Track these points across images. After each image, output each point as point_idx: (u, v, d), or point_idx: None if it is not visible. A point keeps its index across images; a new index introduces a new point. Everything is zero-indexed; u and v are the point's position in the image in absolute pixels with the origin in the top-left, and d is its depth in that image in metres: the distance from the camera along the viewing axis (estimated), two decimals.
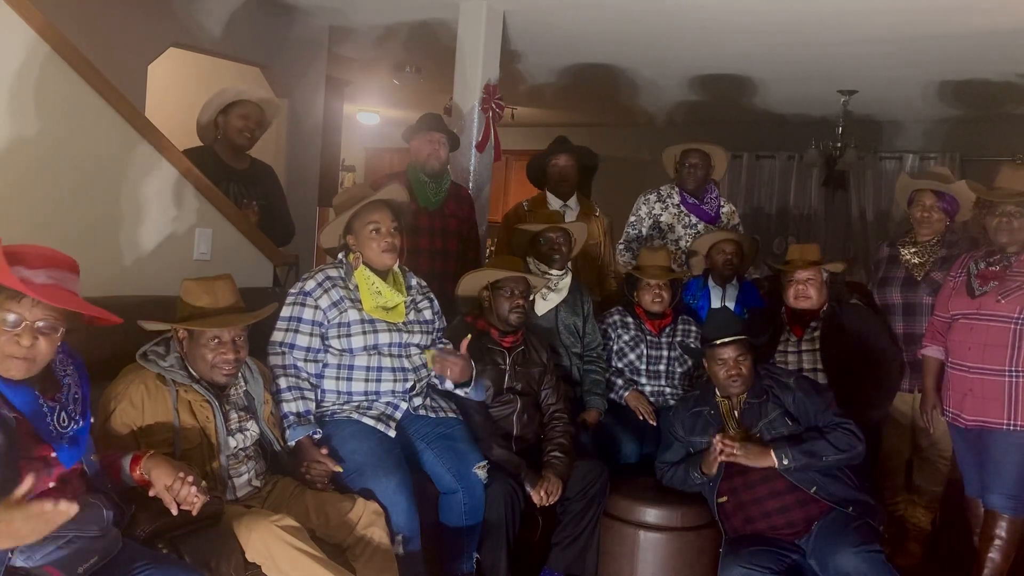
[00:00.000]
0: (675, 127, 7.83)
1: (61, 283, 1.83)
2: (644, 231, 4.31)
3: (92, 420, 1.98)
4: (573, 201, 4.22)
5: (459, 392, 2.94)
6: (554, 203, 4.17)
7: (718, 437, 2.80)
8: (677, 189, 4.30)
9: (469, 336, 2.89)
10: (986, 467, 2.93)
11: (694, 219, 4.27)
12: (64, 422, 1.85)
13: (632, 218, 4.38)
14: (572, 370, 3.55)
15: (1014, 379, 2.84)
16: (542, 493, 2.88)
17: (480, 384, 2.97)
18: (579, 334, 3.60)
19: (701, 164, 4.23)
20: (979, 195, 3.07)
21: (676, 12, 4.37)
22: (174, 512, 1.96)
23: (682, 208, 4.28)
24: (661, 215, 4.30)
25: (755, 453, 2.78)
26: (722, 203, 4.39)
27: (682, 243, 4.24)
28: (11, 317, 1.77)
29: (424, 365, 2.90)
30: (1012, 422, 2.84)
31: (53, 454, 1.84)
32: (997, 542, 2.91)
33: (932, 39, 4.55)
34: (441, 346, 2.91)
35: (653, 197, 4.35)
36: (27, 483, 1.63)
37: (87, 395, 1.98)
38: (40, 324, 1.80)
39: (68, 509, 1.62)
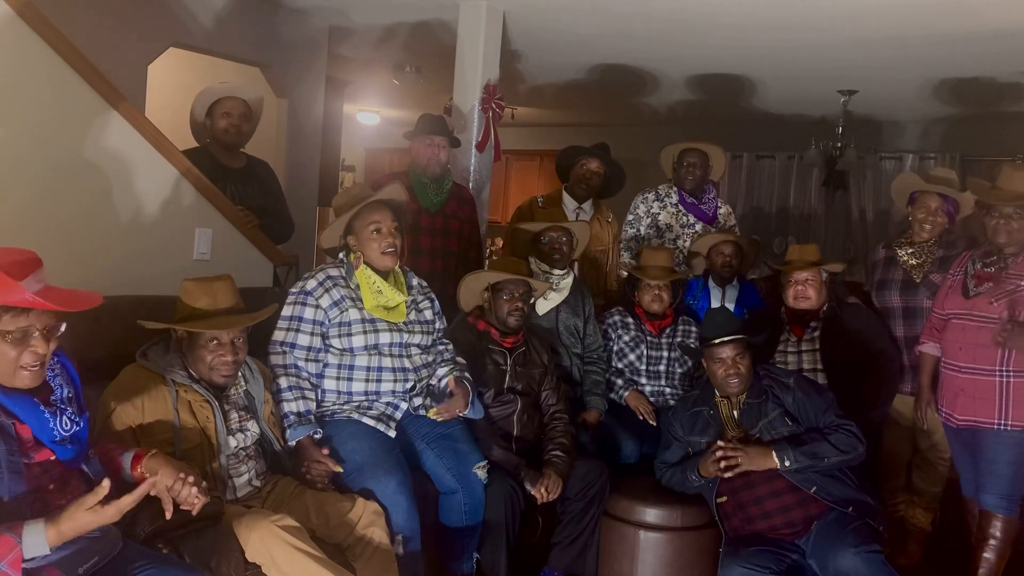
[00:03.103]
0: (675, 126, 7.81)
1: (47, 283, 1.83)
2: (642, 230, 4.31)
3: (88, 415, 1.97)
4: (588, 205, 4.23)
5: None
6: (569, 204, 4.17)
7: (719, 446, 2.80)
8: (676, 189, 4.30)
9: (453, 377, 2.89)
10: (979, 467, 2.94)
11: (692, 219, 4.27)
12: (67, 426, 1.86)
13: (630, 216, 4.37)
14: (572, 370, 3.55)
15: (1005, 379, 2.85)
16: (543, 490, 2.88)
17: (477, 405, 2.96)
18: (579, 335, 3.60)
19: (699, 164, 4.23)
20: (980, 197, 3.06)
21: (675, 11, 4.37)
22: (167, 515, 1.96)
23: (680, 208, 4.28)
24: (659, 214, 4.29)
25: (757, 457, 2.78)
26: (719, 204, 4.38)
27: (679, 243, 4.23)
28: (23, 330, 1.77)
29: (425, 365, 2.90)
30: (1003, 422, 2.84)
31: (53, 457, 1.84)
32: (992, 542, 2.91)
33: (932, 39, 4.55)
34: (434, 406, 2.86)
35: (651, 196, 4.34)
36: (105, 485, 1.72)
37: (79, 390, 1.98)
38: (49, 328, 1.81)
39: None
